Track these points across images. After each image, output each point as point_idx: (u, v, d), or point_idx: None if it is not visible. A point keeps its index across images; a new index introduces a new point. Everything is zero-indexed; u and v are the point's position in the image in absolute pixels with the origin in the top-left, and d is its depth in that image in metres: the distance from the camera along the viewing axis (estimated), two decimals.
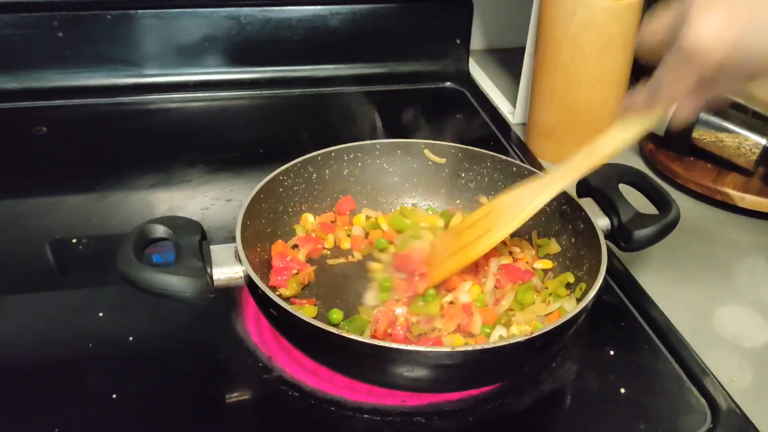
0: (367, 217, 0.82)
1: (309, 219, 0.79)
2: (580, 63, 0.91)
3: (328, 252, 0.79)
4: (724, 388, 0.65)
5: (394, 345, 0.56)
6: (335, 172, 0.81)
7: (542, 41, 0.95)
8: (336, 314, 0.69)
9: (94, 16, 1.06)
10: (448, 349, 0.57)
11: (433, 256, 0.72)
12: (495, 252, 0.75)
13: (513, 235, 0.80)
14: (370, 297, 0.71)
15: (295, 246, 0.77)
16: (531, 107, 1.02)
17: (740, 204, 0.90)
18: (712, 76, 0.50)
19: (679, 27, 0.49)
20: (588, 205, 0.74)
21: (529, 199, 0.65)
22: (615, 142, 0.59)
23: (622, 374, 0.66)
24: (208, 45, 1.11)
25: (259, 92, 1.13)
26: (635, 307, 0.74)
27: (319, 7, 1.13)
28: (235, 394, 0.64)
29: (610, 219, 0.73)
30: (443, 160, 0.84)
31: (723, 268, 0.82)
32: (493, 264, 0.73)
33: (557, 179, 0.64)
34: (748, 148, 0.91)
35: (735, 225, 0.90)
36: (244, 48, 1.13)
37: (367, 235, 0.80)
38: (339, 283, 0.75)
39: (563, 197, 0.75)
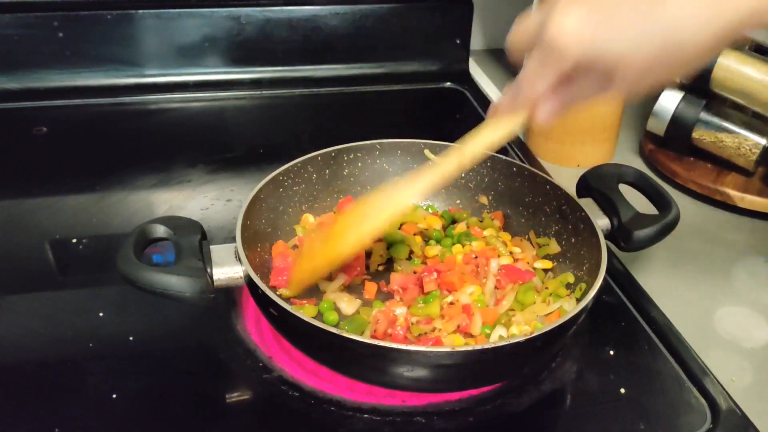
0: None
1: (309, 219, 0.79)
2: None
3: None
4: (724, 388, 0.65)
5: (394, 345, 0.56)
6: (335, 172, 0.81)
7: None
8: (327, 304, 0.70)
9: (95, 16, 1.06)
10: (448, 349, 0.57)
11: (299, 256, 0.69)
12: (495, 252, 0.75)
13: (513, 235, 0.80)
14: (348, 308, 0.71)
15: (296, 246, 0.77)
16: None
17: (740, 204, 0.90)
18: (572, 73, 0.51)
19: (542, 24, 0.50)
20: (588, 205, 0.74)
21: (397, 196, 0.63)
22: (482, 143, 0.60)
23: (622, 374, 0.66)
24: (208, 45, 1.11)
25: (259, 92, 1.13)
26: (635, 307, 0.74)
27: (319, 7, 1.13)
28: (235, 394, 0.64)
29: (610, 219, 0.73)
30: None
31: (723, 268, 0.82)
32: (494, 264, 0.73)
33: (425, 177, 0.63)
34: (748, 148, 0.91)
35: (735, 225, 0.90)
36: (244, 48, 1.13)
37: None
38: None
39: (563, 197, 0.75)
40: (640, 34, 0.48)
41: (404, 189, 0.63)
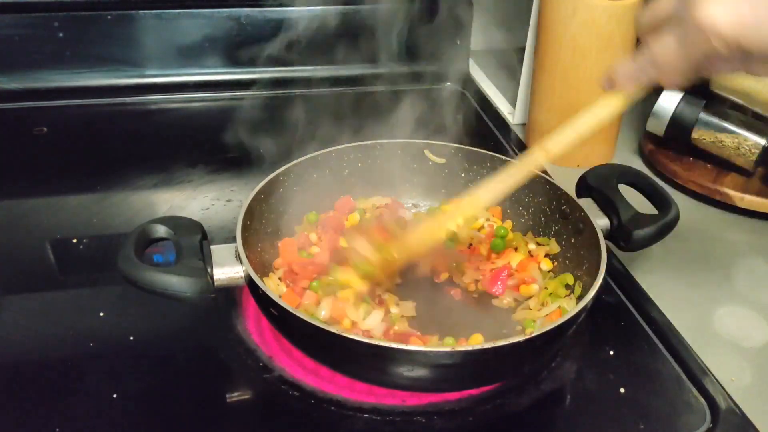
0: (363, 211, 0.81)
1: (311, 218, 0.79)
2: (579, 63, 0.91)
3: None
4: (723, 388, 0.65)
5: (394, 345, 0.56)
6: (335, 172, 0.81)
7: (542, 41, 0.95)
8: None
9: (95, 16, 1.06)
10: (448, 349, 0.57)
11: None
12: (511, 250, 0.76)
13: (514, 232, 0.80)
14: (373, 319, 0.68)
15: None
16: (531, 107, 1.02)
17: (740, 204, 0.90)
18: (726, 55, 0.49)
19: (686, 4, 0.49)
20: (588, 205, 0.74)
21: (502, 180, 0.65)
22: (595, 118, 0.60)
23: (621, 374, 0.66)
24: (208, 45, 1.11)
25: (259, 92, 1.13)
26: (635, 307, 0.74)
27: (319, 7, 1.13)
28: (235, 394, 0.64)
29: (610, 219, 0.73)
30: (443, 160, 0.84)
31: (723, 268, 0.82)
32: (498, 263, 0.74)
33: (535, 152, 0.64)
34: (747, 148, 0.91)
35: (734, 225, 0.90)
36: (244, 48, 1.12)
37: None
38: None
39: (563, 197, 0.75)
40: None
41: (510, 172, 0.65)
